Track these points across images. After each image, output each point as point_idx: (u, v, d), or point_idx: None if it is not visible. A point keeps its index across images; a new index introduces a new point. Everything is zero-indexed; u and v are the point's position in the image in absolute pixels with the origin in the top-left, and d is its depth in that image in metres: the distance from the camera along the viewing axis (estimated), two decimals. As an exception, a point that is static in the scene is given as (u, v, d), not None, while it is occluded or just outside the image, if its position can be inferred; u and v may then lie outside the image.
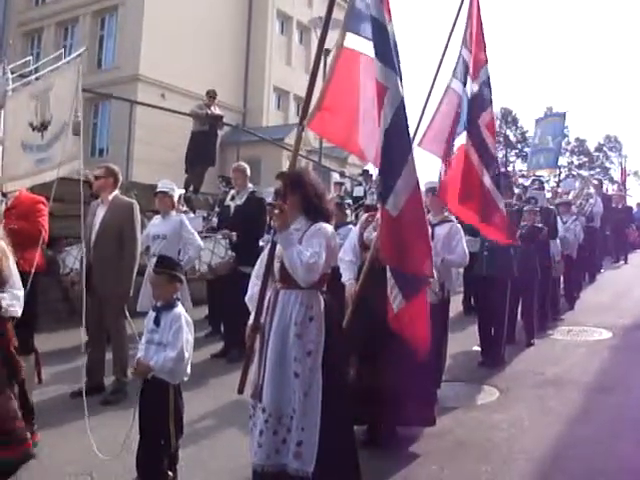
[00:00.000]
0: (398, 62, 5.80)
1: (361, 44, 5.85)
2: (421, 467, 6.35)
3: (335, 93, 5.78)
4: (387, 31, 5.75)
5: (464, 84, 7.79)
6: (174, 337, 5.37)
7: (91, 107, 34.64)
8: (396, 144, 5.62)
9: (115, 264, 8.24)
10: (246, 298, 5.80)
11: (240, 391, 5.56)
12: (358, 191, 20.92)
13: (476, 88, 7.81)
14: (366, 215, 7.58)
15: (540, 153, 21.70)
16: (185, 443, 5.84)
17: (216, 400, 8.22)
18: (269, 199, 10.63)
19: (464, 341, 11.36)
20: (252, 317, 5.53)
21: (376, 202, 6.34)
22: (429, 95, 7.55)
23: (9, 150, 7.29)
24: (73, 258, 10.53)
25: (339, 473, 5.21)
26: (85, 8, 37.69)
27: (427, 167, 8.80)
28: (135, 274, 8.56)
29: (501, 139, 76.29)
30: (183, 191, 12.78)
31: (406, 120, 5.70)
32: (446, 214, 8.70)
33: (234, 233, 10.55)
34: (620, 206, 23.78)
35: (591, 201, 19.62)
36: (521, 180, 21.69)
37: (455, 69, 7.83)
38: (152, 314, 5.63)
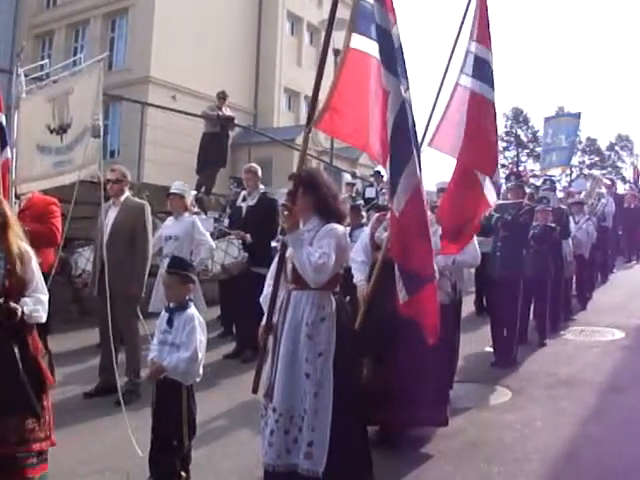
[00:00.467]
0: (403, 64, 5.81)
1: (367, 45, 5.86)
2: (433, 467, 6.34)
3: (343, 93, 5.80)
4: (390, 35, 5.77)
5: (475, 77, 7.65)
6: (187, 338, 5.37)
7: (102, 109, 34.64)
8: (398, 147, 5.66)
9: (127, 265, 8.26)
10: (261, 299, 5.82)
11: (254, 391, 5.59)
12: (370, 192, 20.82)
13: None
14: (377, 215, 7.59)
15: (552, 152, 21.56)
16: (198, 444, 5.83)
17: (229, 401, 8.24)
18: (282, 200, 10.64)
19: (476, 341, 11.32)
20: (265, 317, 5.54)
21: (387, 202, 6.36)
22: (438, 94, 7.53)
23: (23, 152, 7.31)
24: (85, 259, 10.58)
25: (351, 473, 5.22)
26: (96, 10, 37.78)
27: (439, 166, 8.79)
28: (147, 275, 8.60)
29: (512, 139, 76.16)
30: (195, 192, 12.79)
31: (407, 123, 5.71)
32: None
33: (248, 235, 10.55)
34: (632, 206, 23.64)
35: (603, 201, 19.54)
36: (532, 180, 21.58)
37: (463, 65, 7.78)
38: (165, 315, 5.63)
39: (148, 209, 8.67)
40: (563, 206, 14.78)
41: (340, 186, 21.07)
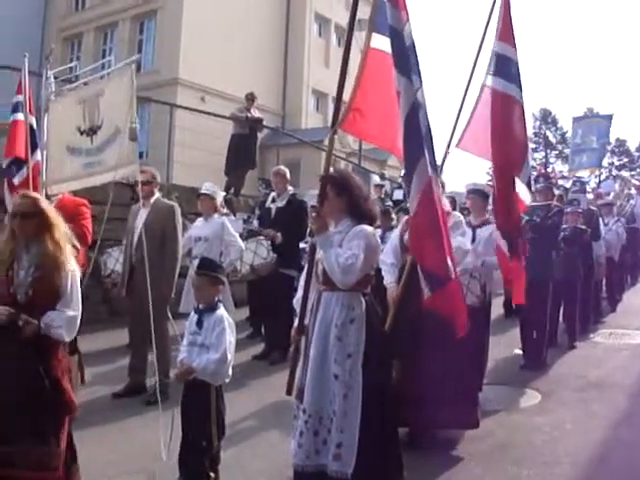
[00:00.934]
0: (416, 63, 5.79)
1: (388, 44, 5.86)
2: (462, 469, 6.33)
3: (365, 93, 5.82)
4: (402, 34, 5.75)
5: (498, 75, 7.57)
6: (217, 339, 5.38)
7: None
8: (410, 148, 5.67)
9: (157, 266, 8.28)
10: (294, 301, 5.84)
11: (289, 392, 5.61)
12: (398, 194, 20.73)
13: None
14: (406, 217, 7.58)
15: (583, 153, 21.44)
16: (226, 444, 5.84)
17: (257, 402, 8.25)
18: (311, 202, 10.65)
19: (506, 344, 11.28)
20: (297, 319, 5.55)
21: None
22: (465, 95, 7.49)
23: (53, 153, 7.37)
24: (114, 260, 10.64)
25: (381, 475, 5.21)
26: (124, 13, 38.01)
27: (468, 168, 8.76)
28: (177, 276, 8.62)
29: (540, 140, 75.65)
30: (224, 194, 12.83)
31: (418, 123, 5.69)
32: (488, 216, 8.66)
33: (279, 234, 10.55)
34: (662, 206, 23.46)
35: (632, 202, 19.42)
36: (561, 182, 21.46)
37: (490, 66, 7.72)
38: (194, 316, 5.64)
39: (178, 210, 8.70)
40: (593, 208, 14.69)
41: (369, 188, 21.02)
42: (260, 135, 19.84)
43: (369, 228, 5.46)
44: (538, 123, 76.04)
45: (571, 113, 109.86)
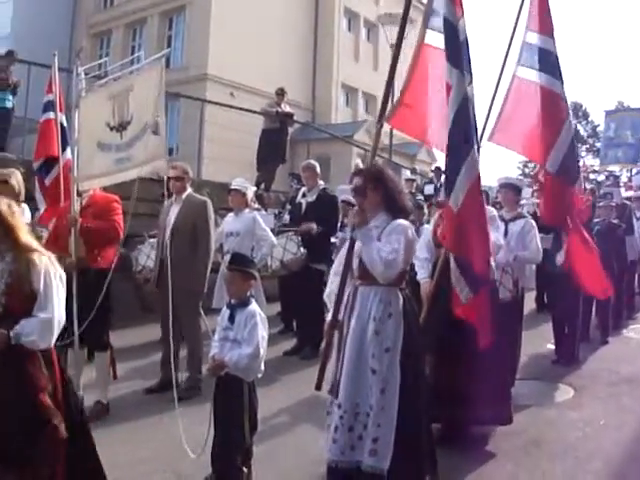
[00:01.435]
0: (467, 58, 5.79)
1: (440, 40, 5.86)
2: (496, 465, 6.30)
3: (415, 89, 5.83)
4: (457, 28, 5.75)
5: (542, 70, 7.52)
6: (250, 334, 5.36)
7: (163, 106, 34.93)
8: (457, 142, 5.66)
9: (189, 261, 8.28)
10: (324, 295, 5.84)
11: (318, 387, 5.57)
12: (429, 189, 20.65)
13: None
14: (439, 212, 7.55)
15: (618, 148, 21.20)
16: (259, 439, 5.82)
17: (289, 397, 8.26)
18: (342, 197, 10.62)
19: (538, 339, 11.21)
20: (330, 314, 5.53)
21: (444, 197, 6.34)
22: (497, 88, 7.45)
23: (84, 150, 7.39)
24: (145, 256, 10.68)
25: (415, 471, 5.20)
26: (153, 9, 38.04)
27: (500, 162, 8.73)
28: (209, 271, 8.63)
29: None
30: (255, 189, 12.85)
31: (469, 118, 5.69)
32: (520, 210, 8.62)
33: (314, 224, 10.50)
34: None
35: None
36: (593, 176, 21.29)
37: (520, 56, 7.66)
38: (226, 311, 5.64)
39: (210, 205, 8.71)
40: (627, 202, 14.56)
41: (401, 182, 20.95)
42: (290, 130, 19.86)
43: (406, 223, 5.44)
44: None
45: (602, 106, 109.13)
